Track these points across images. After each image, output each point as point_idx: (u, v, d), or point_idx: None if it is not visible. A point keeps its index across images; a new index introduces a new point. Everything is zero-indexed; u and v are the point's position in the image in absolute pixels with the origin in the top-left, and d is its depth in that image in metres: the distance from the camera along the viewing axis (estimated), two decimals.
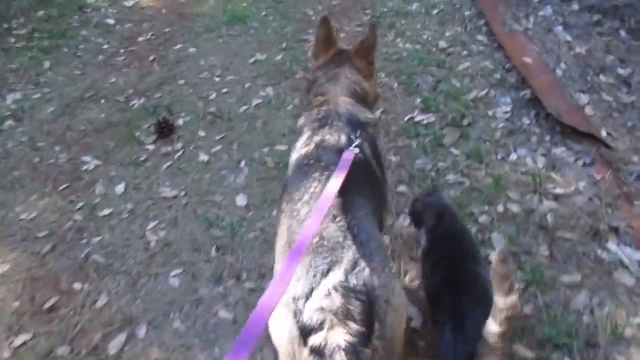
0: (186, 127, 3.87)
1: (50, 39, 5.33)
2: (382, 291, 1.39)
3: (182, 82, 4.41)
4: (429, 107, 3.72)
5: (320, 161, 1.75)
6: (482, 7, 4.84)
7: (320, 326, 1.28)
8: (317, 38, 2.27)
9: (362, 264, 1.41)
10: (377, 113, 3.59)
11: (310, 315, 1.30)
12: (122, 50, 5.08)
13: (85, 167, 3.65)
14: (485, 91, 3.81)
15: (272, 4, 5.53)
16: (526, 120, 3.53)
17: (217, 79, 4.40)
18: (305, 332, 1.30)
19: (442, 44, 4.44)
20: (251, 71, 4.42)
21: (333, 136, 1.85)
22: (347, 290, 1.34)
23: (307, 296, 1.34)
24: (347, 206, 1.58)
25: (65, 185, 3.51)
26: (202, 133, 3.77)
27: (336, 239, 1.47)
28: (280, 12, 5.31)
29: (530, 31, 4.52)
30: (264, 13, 5.37)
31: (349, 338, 1.26)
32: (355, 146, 1.79)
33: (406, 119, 3.68)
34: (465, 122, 3.55)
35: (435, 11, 4.95)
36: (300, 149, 1.88)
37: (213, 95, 4.16)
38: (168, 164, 3.56)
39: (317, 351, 1.26)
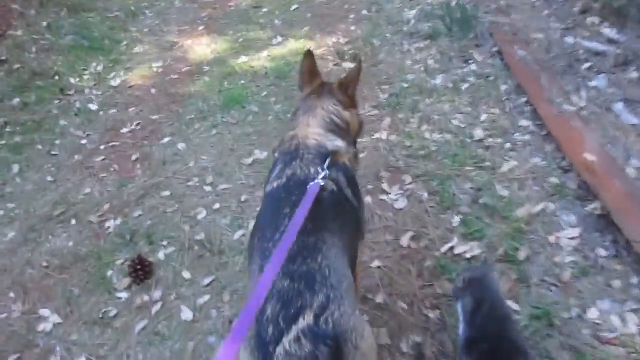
0: (168, 264, 3.09)
1: (23, 134, 4.66)
2: (351, 335, 1.40)
3: (167, 193, 3.66)
4: (471, 232, 2.91)
5: (291, 195, 1.73)
6: (521, 81, 4.02)
7: None
8: (302, 70, 2.24)
9: (332, 307, 1.41)
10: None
11: None
12: (102, 147, 4.36)
13: (42, 326, 2.89)
14: (541, 205, 2.98)
15: (274, 81, 4.78)
16: (602, 252, 2.69)
17: (208, 189, 3.63)
18: None
19: (479, 132, 3.62)
20: (249, 177, 3.66)
21: (303, 170, 1.83)
22: (315, 336, 1.34)
23: (277, 341, 1.34)
24: (318, 246, 1.57)
25: (15, 358, 2.72)
26: (186, 274, 2.99)
27: (307, 281, 1.45)
28: (284, 92, 4.58)
29: (585, 111, 3.68)
30: (264, 93, 4.63)
31: None
32: (323, 178, 1.78)
33: (444, 249, 2.85)
34: (521, 255, 2.71)
35: (464, 86, 4.15)
36: (273, 182, 1.86)
37: (202, 215, 3.40)
38: (143, 324, 2.79)
39: None
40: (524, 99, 3.93)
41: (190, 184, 3.76)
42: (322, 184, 1.76)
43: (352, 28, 5.56)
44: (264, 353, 1.36)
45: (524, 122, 3.70)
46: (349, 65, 4.86)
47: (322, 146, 1.95)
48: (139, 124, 4.63)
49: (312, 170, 1.84)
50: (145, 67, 5.60)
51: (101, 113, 4.92)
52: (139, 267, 2.98)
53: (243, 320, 1.19)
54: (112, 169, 4.10)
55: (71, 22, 6.41)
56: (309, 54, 2.20)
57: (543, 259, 2.73)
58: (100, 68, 5.71)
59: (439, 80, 4.36)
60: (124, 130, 4.58)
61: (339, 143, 2.01)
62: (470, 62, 4.51)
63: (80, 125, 4.76)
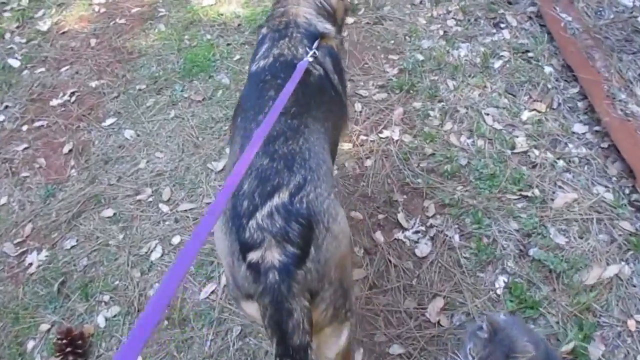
0: (110, 335, 2.26)
1: None
2: (323, 217, 1.41)
3: (109, 212, 2.74)
4: (521, 306, 2.12)
5: (276, 78, 1.71)
6: (569, 61, 3.09)
7: (259, 244, 1.33)
8: None
9: (308, 188, 1.42)
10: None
11: (251, 233, 1.34)
12: (24, 128, 3.29)
13: None
14: (613, 267, 2.19)
15: (249, 37, 3.69)
16: None
17: (164, 208, 2.73)
18: (245, 248, 1.34)
19: (521, 140, 2.76)
20: (220, 188, 2.71)
21: (291, 50, 1.80)
22: (288, 213, 1.35)
23: (251, 215, 1.36)
24: (301, 129, 1.56)
25: None
26: None
27: (286, 161, 1.45)
28: None
29: None
30: (237, 56, 3.57)
31: (283, 259, 1.32)
32: (312, 56, 1.77)
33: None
34: (593, 355, 1.95)
35: (497, 63, 3.21)
36: (259, 60, 1.82)
37: (157, 253, 2.49)
38: None
39: (254, 267, 1.32)
40: (575, 89, 3.01)
41: (140, 198, 2.81)
42: (311, 60, 1.74)
43: None
44: (237, 225, 1.37)
45: (579, 127, 2.83)
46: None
47: (311, 25, 1.90)
48: (73, 93, 3.54)
49: (301, 50, 1.80)
50: (84, 2, 4.38)
51: (25, 72, 3.78)
52: (68, 345, 2.10)
53: (219, 200, 1.13)
54: (37, 166, 3.09)
55: None
56: None
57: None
58: (24, 2, 4.43)
59: (462, 50, 3.37)
60: (54, 102, 3.50)
61: (328, 26, 1.97)
62: (502, 26, 3.51)
63: None
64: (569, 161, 2.69)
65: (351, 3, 3.80)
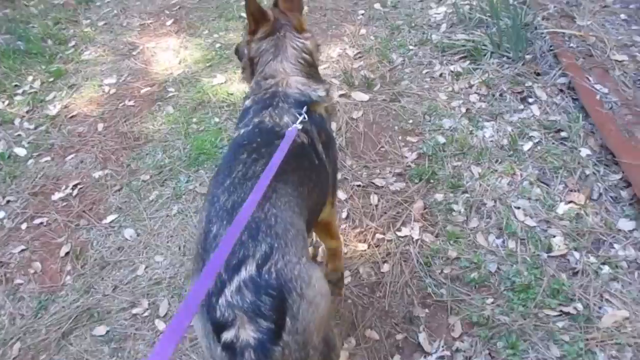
0: None
1: None
2: (295, 284, 1.36)
3: (101, 330, 2.51)
4: None
5: (252, 143, 1.68)
6: (608, 141, 2.76)
7: (231, 323, 1.28)
8: (248, 13, 1.94)
9: (276, 256, 1.38)
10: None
11: (222, 312, 1.29)
12: (24, 226, 3.12)
13: None
14: None
15: None
16: None
17: (161, 327, 2.46)
18: (217, 328, 1.30)
19: (558, 241, 2.48)
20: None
21: (274, 118, 1.76)
22: (257, 286, 1.32)
23: (220, 292, 1.31)
24: (267, 194, 1.47)
25: None
26: None
27: (250, 230, 1.40)
28: None
29: None
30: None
31: (258, 335, 1.28)
32: (301, 123, 1.74)
33: None
34: None
35: (526, 146, 2.92)
36: (240, 129, 1.79)
37: None
38: None
39: (229, 347, 1.28)
40: (617, 175, 2.66)
41: (136, 312, 2.57)
42: (300, 127, 1.72)
43: (362, 31, 4.18)
44: (207, 304, 1.32)
45: (624, 223, 2.49)
46: (360, 95, 3.54)
47: (304, 95, 1.87)
48: (76, 185, 3.37)
49: (285, 119, 1.76)
50: (95, 84, 4.27)
51: (30, 162, 3.64)
52: None
53: (196, 292, 1.13)
54: (32, 271, 2.90)
55: (3, 15, 4.99)
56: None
57: None
58: (37, 84, 4.39)
59: (487, 131, 3.07)
60: (56, 196, 3.33)
61: (321, 92, 1.93)
62: (530, 100, 3.21)
63: (1, 180, 3.46)
64: (616, 266, 2.33)
65: (370, 83, 3.59)
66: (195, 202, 3.09)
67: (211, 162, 3.32)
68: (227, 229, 1.35)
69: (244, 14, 4.53)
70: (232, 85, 3.93)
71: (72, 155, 3.67)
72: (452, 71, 3.57)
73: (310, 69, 1.99)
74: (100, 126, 3.87)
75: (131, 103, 4.03)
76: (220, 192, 1.53)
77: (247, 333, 1.28)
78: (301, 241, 1.52)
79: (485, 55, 3.58)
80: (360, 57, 3.96)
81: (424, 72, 3.64)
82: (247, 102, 1.92)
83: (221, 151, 3.38)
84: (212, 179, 1.68)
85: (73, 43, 4.97)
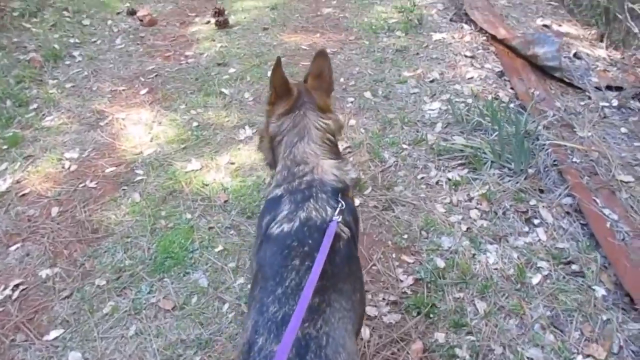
0: None
1: None
2: None
3: None
4: None
5: (303, 245, 1.52)
6: (625, 281, 2.50)
7: None
8: (272, 84, 1.93)
9: None
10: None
11: None
12: None
13: None
14: None
15: (236, 218, 3.12)
16: None
17: None
18: None
19: None
20: None
21: (319, 212, 1.61)
22: None
23: None
24: (322, 308, 1.38)
25: None
26: None
27: (298, 348, 1.26)
28: (251, 246, 2.90)
29: None
30: (219, 247, 2.92)
31: None
32: (339, 213, 1.60)
33: None
34: None
35: (535, 279, 2.61)
36: (282, 223, 1.60)
37: None
38: None
39: None
40: (638, 325, 2.35)
41: None
42: (339, 220, 1.58)
43: (352, 122, 3.90)
44: None
45: None
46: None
47: (341, 182, 1.75)
48: (17, 285, 2.86)
49: (329, 211, 1.62)
50: (54, 157, 3.82)
51: None
52: None
53: None
54: None
55: None
56: (278, 64, 1.87)
57: None
58: None
59: (491, 256, 2.77)
60: None
61: (353, 174, 1.86)
62: (535, 222, 2.94)
63: None
64: None
65: (361, 185, 3.27)
66: (157, 320, 2.65)
67: (179, 269, 2.89)
68: (276, 347, 1.25)
69: (224, 90, 4.24)
70: (209, 173, 3.55)
71: (17, 245, 3.19)
72: (449, 179, 3.29)
73: (336, 149, 1.91)
74: (54, 210, 3.41)
75: (93, 184, 3.60)
76: (270, 302, 1.40)
77: None
78: None
79: (485, 164, 3.34)
80: (350, 152, 3.66)
81: (419, 177, 3.36)
82: (278, 191, 1.74)
83: (191, 256, 2.97)
84: (259, 283, 1.52)
85: (35, 106, 4.55)
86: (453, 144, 3.55)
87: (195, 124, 4.12)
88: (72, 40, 5.62)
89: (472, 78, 4.34)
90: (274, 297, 1.40)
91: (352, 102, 4.20)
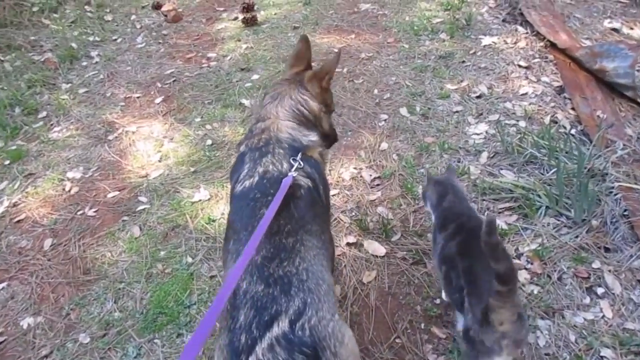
0: None
1: None
2: (330, 342, 1.34)
3: None
4: None
5: (267, 195, 1.66)
6: None
7: None
8: (294, 52, 2.20)
9: (309, 312, 1.36)
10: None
11: None
12: None
13: None
14: None
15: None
16: None
17: None
18: None
19: None
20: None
21: (276, 165, 1.76)
22: (291, 344, 1.29)
23: (250, 350, 1.29)
24: (296, 247, 1.52)
25: None
26: None
27: (282, 285, 1.40)
28: None
29: None
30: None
31: None
32: (296, 170, 1.74)
33: None
34: None
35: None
36: (244, 180, 1.75)
37: None
38: None
39: None
40: None
41: None
42: (295, 175, 1.71)
43: (384, 146, 3.40)
44: None
45: None
46: (374, 246, 2.73)
47: (295, 140, 1.87)
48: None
49: (285, 165, 1.76)
50: (55, 177, 3.51)
51: None
52: None
53: (200, 333, 1.15)
54: None
55: None
56: (303, 39, 2.17)
57: None
58: None
59: (542, 337, 2.28)
60: None
61: (312, 137, 1.94)
62: (598, 292, 2.42)
63: None
64: None
65: (388, 229, 2.79)
66: None
67: (172, 329, 2.50)
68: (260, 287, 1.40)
69: (245, 101, 3.82)
70: (217, 205, 3.13)
71: (3, 285, 2.87)
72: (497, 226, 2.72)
73: (306, 122, 1.98)
74: (47, 243, 3.08)
75: (92, 212, 3.24)
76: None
77: None
78: (332, 297, 1.49)
79: (539, 209, 2.78)
80: (378, 184, 3.16)
81: None
82: (242, 148, 1.89)
83: (187, 312, 2.57)
84: (231, 238, 1.63)
85: (44, 114, 4.22)
86: (501, 181, 2.98)
87: (209, 141, 3.70)
88: (91, 39, 5.27)
89: (526, 94, 3.73)
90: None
91: (385, 121, 3.68)
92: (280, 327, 1.31)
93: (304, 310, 1.35)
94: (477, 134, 3.45)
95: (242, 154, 1.86)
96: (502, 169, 3.14)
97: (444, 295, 2.39)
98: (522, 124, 3.46)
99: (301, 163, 1.77)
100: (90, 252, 3.00)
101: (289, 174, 1.71)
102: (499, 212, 2.88)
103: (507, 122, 3.49)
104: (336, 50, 4.44)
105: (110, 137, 3.91)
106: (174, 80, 4.50)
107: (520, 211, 2.85)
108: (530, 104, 3.65)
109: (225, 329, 1.38)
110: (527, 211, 2.82)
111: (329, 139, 2.17)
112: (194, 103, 4.16)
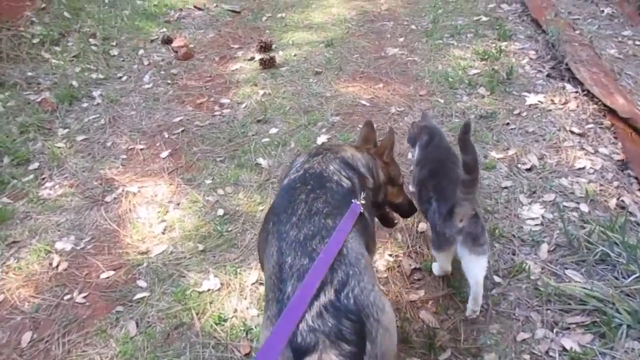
0: None
1: None
2: (372, 310, 1.43)
3: None
4: None
5: (306, 184, 1.81)
6: None
7: (313, 348, 1.31)
8: (361, 136, 2.38)
9: (352, 283, 1.45)
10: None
11: (303, 337, 1.32)
12: None
13: None
14: None
15: None
16: None
17: None
18: (299, 353, 1.31)
19: None
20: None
21: (321, 165, 1.92)
22: (338, 310, 1.37)
23: (299, 317, 1.34)
24: (336, 227, 1.63)
25: None
26: None
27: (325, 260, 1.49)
28: None
29: None
30: None
31: (341, 359, 1.30)
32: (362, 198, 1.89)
33: None
34: None
35: None
36: (291, 175, 1.93)
37: None
38: None
39: None
40: None
41: None
42: (364, 202, 1.86)
43: (422, 226, 2.87)
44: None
45: None
46: None
47: (353, 159, 2.05)
48: None
49: (331, 167, 1.92)
50: (42, 248, 3.04)
51: None
52: None
53: (274, 341, 1.27)
54: None
55: None
56: (368, 124, 2.39)
57: None
58: None
59: None
60: None
61: (368, 175, 2.10)
62: None
63: None
64: None
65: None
66: None
67: None
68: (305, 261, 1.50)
69: (261, 160, 3.37)
70: (229, 299, 2.64)
71: None
72: (565, 350, 2.24)
73: (372, 178, 2.14)
74: (26, 337, 2.60)
75: (81, 298, 2.76)
76: (288, 229, 1.62)
77: (330, 357, 1.29)
78: (371, 270, 1.62)
79: (619, 329, 2.26)
80: (419, 279, 2.67)
81: (519, 338, 2.31)
82: (299, 158, 2.06)
83: None
84: (271, 219, 1.76)
85: (36, 165, 3.75)
86: (568, 286, 2.48)
87: (220, 211, 3.21)
88: (94, 76, 4.81)
89: (583, 169, 3.25)
90: (291, 224, 1.63)
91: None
92: (327, 296, 1.38)
93: (347, 281, 1.43)
94: (533, 219, 2.96)
95: (299, 155, 2.09)
96: (567, 268, 2.64)
97: (434, 268, 2.71)
98: (584, 207, 2.97)
99: (363, 194, 1.94)
100: (76, 353, 2.51)
101: (358, 202, 1.82)
102: (569, 329, 2.36)
103: (565, 203, 3.00)
104: (364, 103, 4.00)
105: (108, 199, 3.42)
106: (182, 130, 4.03)
107: (595, 329, 2.34)
108: (589, 181, 3.17)
109: (274, 300, 1.45)
110: (605, 330, 2.30)
111: (399, 210, 2.48)
112: (204, 160, 3.67)
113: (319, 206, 1.68)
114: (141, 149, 3.90)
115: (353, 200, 1.82)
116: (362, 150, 2.21)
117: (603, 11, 5.41)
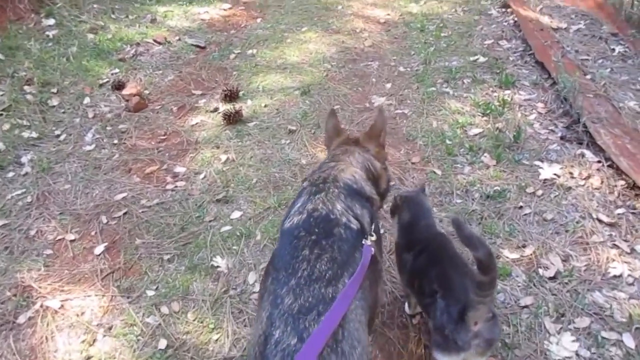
0: None
1: None
2: None
3: None
4: None
5: (311, 234, 1.67)
6: None
7: None
8: (327, 128, 2.31)
9: None
10: None
11: None
12: None
13: None
14: None
15: None
16: None
17: None
18: None
19: None
20: None
21: (327, 205, 1.78)
22: None
23: None
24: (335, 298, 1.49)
25: None
26: None
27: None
28: None
29: None
30: None
31: None
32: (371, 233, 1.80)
33: None
34: None
35: None
36: (293, 217, 1.78)
37: None
38: None
39: None
40: None
41: None
42: (374, 238, 1.79)
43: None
44: None
45: None
46: None
47: (357, 183, 1.94)
48: None
49: (338, 206, 1.78)
50: None
51: None
52: None
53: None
54: None
55: None
56: (332, 113, 2.33)
57: None
58: None
59: None
60: None
61: (374, 193, 2.01)
62: None
63: None
64: None
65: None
66: None
67: None
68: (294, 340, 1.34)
69: (219, 260, 2.71)
70: None
71: None
72: None
73: (373, 181, 2.06)
74: None
75: None
76: (284, 293, 1.49)
77: None
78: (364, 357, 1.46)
79: None
80: None
81: None
82: (305, 184, 1.95)
83: None
84: (270, 274, 1.62)
85: None
86: None
87: (162, 343, 2.48)
88: (26, 134, 4.03)
89: (619, 278, 2.57)
90: (288, 289, 1.48)
91: (416, 323, 2.44)
92: None
93: None
94: (565, 355, 2.23)
95: (303, 189, 1.93)
96: None
97: (407, 307, 2.51)
98: (629, 340, 2.27)
99: (373, 234, 1.81)
100: None
101: (368, 242, 1.73)
102: None
103: (604, 333, 2.29)
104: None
105: (21, 319, 2.67)
106: (124, 213, 3.27)
107: None
108: (629, 297, 2.47)
109: None
110: None
111: (384, 196, 2.24)
112: (148, 259, 2.92)
113: (322, 268, 1.53)
114: (72, 241, 3.13)
115: (364, 242, 1.71)
116: (355, 153, 2.08)
117: (614, 50, 4.75)
